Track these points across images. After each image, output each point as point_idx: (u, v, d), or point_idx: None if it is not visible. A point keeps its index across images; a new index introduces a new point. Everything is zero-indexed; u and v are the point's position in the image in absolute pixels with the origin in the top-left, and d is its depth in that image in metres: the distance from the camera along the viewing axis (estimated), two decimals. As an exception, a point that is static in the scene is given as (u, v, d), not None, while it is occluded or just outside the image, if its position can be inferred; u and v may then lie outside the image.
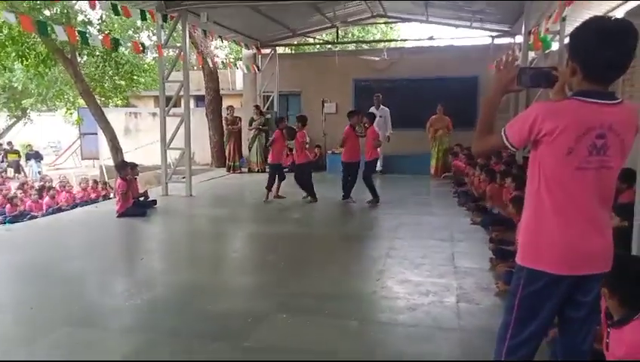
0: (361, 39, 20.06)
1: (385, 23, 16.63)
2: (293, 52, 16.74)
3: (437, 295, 3.90)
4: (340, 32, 13.99)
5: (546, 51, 9.28)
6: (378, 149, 8.00)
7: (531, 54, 9.56)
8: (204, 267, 4.96)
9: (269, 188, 8.09)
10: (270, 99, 13.12)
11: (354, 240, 5.80)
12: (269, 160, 8.42)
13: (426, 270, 4.52)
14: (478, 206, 6.64)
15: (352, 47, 17.27)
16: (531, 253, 1.91)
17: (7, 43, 10.14)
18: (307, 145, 8.33)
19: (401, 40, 18.56)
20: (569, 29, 8.05)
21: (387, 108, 10.99)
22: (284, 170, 8.61)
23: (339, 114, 12.58)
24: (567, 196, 1.82)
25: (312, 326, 3.42)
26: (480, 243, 5.28)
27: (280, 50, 13.87)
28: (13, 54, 10.60)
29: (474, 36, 12.55)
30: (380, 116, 10.95)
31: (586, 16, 2.01)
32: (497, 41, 11.91)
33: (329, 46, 14.32)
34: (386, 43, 15.15)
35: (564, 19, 7.75)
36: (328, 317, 3.55)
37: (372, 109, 11.06)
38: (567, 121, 1.77)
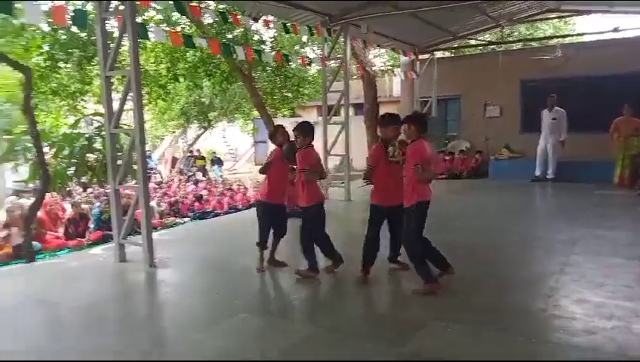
0: (529, 37, 18.56)
1: (558, 17, 15.11)
2: (452, 55, 16.26)
3: (623, 319, 3.41)
4: (504, 30, 13.16)
5: None
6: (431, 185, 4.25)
7: None
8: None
9: (261, 244, 4.87)
10: (428, 105, 12.92)
11: (521, 252, 5.38)
12: (260, 195, 5.11)
13: (609, 291, 3.99)
14: (679, 221, 5.61)
15: (518, 45, 16.08)
16: None
17: (198, 64, 11.82)
18: (318, 175, 4.66)
19: (577, 35, 16.68)
20: None
21: (562, 110, 9.98)
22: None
23: (504, 117, 11.87)
24: None
25: (473, 338, 3.28)
26: (681, 265, 4.47)
27: (438, 54, 13.59)
28: (203, 73, 12.29)
29: (674, 22, 10.69)
30: (554, 118, 10.02)
31: None
32: None
33: (492, 46, 13.57)
34: (560, 39, 13.74)
35: None
36: (491, 331, 3.37)
37: (544, 112, 10.18)
38: None
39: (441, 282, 4.11)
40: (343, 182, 9.42)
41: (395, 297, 4.32)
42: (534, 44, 14.53)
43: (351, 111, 9.80)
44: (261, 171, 5.02)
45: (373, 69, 14.21)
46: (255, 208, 5.49)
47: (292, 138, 4.72)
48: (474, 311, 3.71)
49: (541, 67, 11.18)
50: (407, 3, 8.60)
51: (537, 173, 10.30)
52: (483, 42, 14.00)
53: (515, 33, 18.59)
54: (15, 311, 4.12)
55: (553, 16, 13.71)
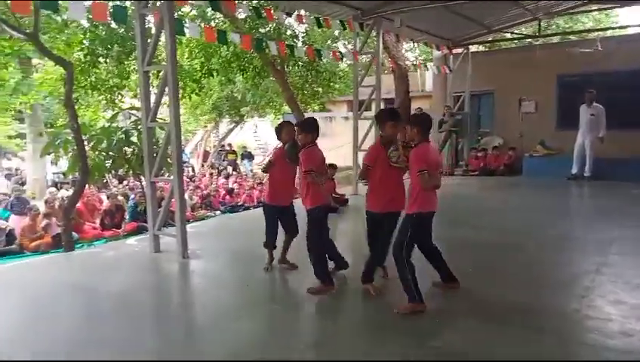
0: (567, 30, 18.00)
1: (598, 9, 14.60)
2: (487, 49, 15.95)
3: (662, 323, 3.32)
4: (542, 23, 12.80)
5: None
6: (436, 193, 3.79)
7: None
8: (392, 264, 5.08)
9: (268, 245, 4.73)
10: (461, 100, 12.73)
11: (554, 252, 5.27)
12: (265, 197, 4.89)
13: (648, 292, 3.88)
14: None
15: (556, 39, 15.65)
16: None
17: (231, 59, 11.97)
18: (325, 177, 4.40)
19: (619, 27, 16.06)
20: None
21: (601, 107, 9.66)
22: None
23: (539, 113, 11.59)
24: None
25: (503, 336, 3.25)
26: None
27: (473, 48, 13.35)
28: (236, 68, 12.44)
29: None
30: (593, 115, 9.71)
31: None
32: None
33: (529, 40, 13.24)
34: (600, 32, 13.28)
35: None
36: (521, 329, 3.33)
37: (582, 107, 9.88)
38: None
39: (425, 304, 3.60)
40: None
41: (424, 292, 4.28)
42: (573, 37, 14.10)
43: (382, 105, 9.74)
44: (263, 171, 4.73)
45: (406, 63, 14.06)
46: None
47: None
48: (505, 310, 3.67)
49: (580, 61, 10.85)
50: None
51: (574, 170, 10.01)
52: (519, 36, 13.67)
53: (553, 26, 18.08)
54: (55, 298, 4.31)
55: (594, 8, 13.25)
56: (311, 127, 4.21)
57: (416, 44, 14.56)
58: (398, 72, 13.44)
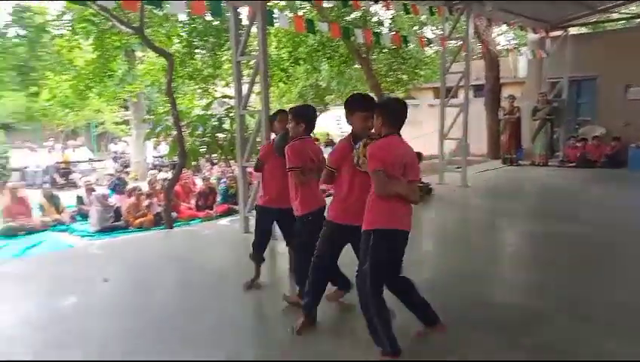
0: (688, 6, 16.07)
1: None
2: (589, 31, 14.73)
3: None
4: (657, 0, 11.57)
5: None
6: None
7: None
8: (478, 256, 4.97)
9: (256, 257, 4.06)
10: (558, 86, 11.91)
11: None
12: (258, 200, 4.09)
13: None
14: None
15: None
16: None
17: (318, 48, 12.16)
18: (315, 175, 3.46)
19: None
20: None
21: None
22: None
23: (648, 100, 10.55)
24: None
25: (602, 336, 3.08)
26: None
27: (573, 30, 12.38)
28: (322, 57, 12.63)
29: None
30: None
31: None
32: None
33: (639, 20, 12.02)
34: None
35: None
36: (623, 331, 3.14)
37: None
38: None
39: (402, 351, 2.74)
40: (459, 167, 9.15)
41: (522, 287, 4.14)
42: (695, 14, 12.57)
43: (470, 93, 9.41)
44: (254, 168, 4.15)
45: (497, 47, 13.40)
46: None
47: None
48: (602, 308, 3.47)
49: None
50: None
51: (689, 164, 9.05)
52: (628, 15, 12.44)
53: (670, 3, 16.23)
54: (159, 269, 4.76)
55: None
56: (303, 116, 3.48)
57: (509, 28, 13.82)
58: (488, 58, 12.87)
